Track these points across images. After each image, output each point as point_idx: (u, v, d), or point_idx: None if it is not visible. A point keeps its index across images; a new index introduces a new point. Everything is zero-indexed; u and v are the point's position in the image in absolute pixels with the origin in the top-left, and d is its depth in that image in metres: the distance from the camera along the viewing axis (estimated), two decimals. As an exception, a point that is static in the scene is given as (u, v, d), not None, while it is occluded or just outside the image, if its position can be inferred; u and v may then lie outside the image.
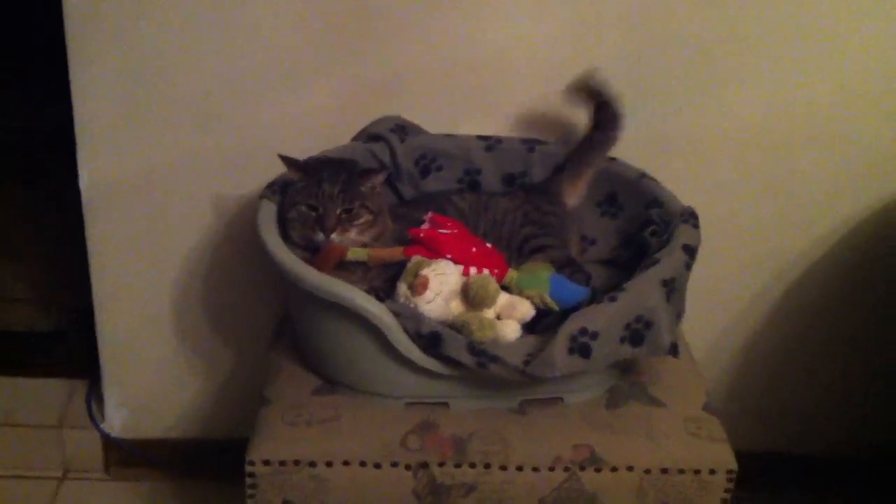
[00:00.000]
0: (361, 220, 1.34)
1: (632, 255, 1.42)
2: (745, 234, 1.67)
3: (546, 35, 1.52)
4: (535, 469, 1.27)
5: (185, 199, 1.64)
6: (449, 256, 1.30)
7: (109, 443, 1.86)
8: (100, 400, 1.84)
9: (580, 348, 1.21)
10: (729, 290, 1.73)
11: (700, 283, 1.61)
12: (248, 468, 1.27)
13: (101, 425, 1.85)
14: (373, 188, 1.36)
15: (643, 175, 1.49)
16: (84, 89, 1.54)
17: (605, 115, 1.49)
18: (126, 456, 1.87)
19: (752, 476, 1.73)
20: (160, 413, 1.85)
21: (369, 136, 1.52)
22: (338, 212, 1.33)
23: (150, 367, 1.80)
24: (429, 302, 1.26)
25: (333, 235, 1.32)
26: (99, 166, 1.61)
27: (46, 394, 1.90)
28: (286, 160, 1.35)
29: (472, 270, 1.31)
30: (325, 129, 1.54)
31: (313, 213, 1.33)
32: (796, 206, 1.65)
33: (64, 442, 1.86)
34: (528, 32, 1.52)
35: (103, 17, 1.49)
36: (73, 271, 1.72)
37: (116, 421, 1.85)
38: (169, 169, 1.61)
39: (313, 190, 1.33)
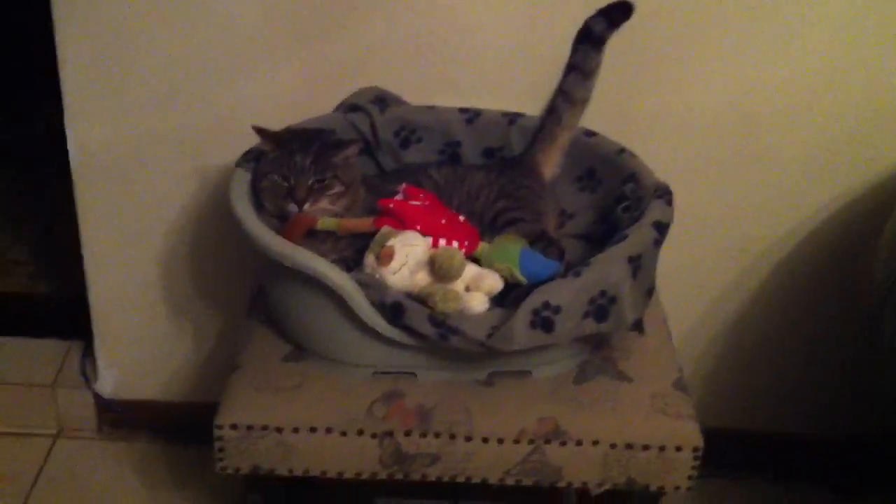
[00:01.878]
0: (333, 191, 1.34)
1: (606, 231, 1.41)
2: (722, 217, 1.66)
3: (518, 7, 1.51)
4: (500, 441, 1.27)
5: (170, 170, 1.66)
6: (418, 228, 1.30)
7: (101, 403, 1.90)
8: (93, 361, 1.88)
9: (542, 322, 1.21)
10: (707, 274, 1.72)
11: (678, 267, 1.63)
12: (216, 432, 1.28)
13: (94, 386, 1.89)
14: (346, 159, 1.36)
15: (622, 150, 1.47)
16: (70, 65, 1.57)
17: (589, 68, 1.46)
18: (118, 416, 1.91)
19: (730, 456, 1.76)
20: (150, 376, 1.89)
21: (349, 106, 1.52)
22: (309, 182, 1.33)
23: (140, 331, 1.83)
24: (394, 273, 1.26)
25: (306, 206, 1.32)
26: (86, 138, 1.63)
27: (42, 354, 1.95)
28: (259, 131, 1.36)
29: (441, 242, 1.31)
30: (301, 103, 1.54)
31: (285, 184, 1.33)
32: (774, 189, 1.63)
33: (58, 401, 1.90)
34: (499, 4, 1.51)
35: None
36: (69, 235, 1.75)
37: (108, 382, 1.89)
38: (154, 141, 1.63)
39: (285, 160, 1.34)
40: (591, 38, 1.44)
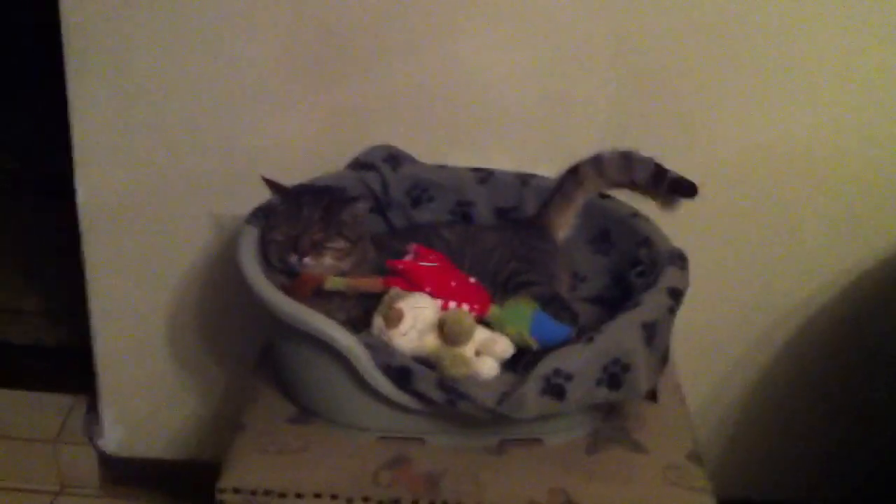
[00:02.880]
0: (337, 247, 1.32)
1: (620, 294, 1.38)
2: (742, 278, 1.63)
3: (536, 64, 1.50)
4: (509, 512, 1.24)
5: (179, 219, 1.64)
6: (428, 290, 1.28)
7: (105, 460, 1.87)
8: (97, 417, 1.85)
9: (553, 389, 1.18)
10: (725, 336, 1.68)
11: (696, 329, 1.60)
12: (219, 496, 1.26)
13: (98, 442, 1.86)
14: (354, 216, 1.35)
15: (635, 214, 1.46)
16: (81, 112, 1.57)
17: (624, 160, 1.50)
18: (121, 474, 1.87)
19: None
20: (155, 433, 1.85)
21: (361, 164, 1.52)
22: (314, 237, 1.31)
23: (146, 387, 1.80)
24: (403, 335, 1.24)
25: (307, 259, 1.30)
26: (95, 185, 1.62)
27: (46, 408, 1.91)
28: (270, 183, 1.35)
29: (451, 305, 1.29)
30: (311, 154, 1.54)
31: (291, 235, 1.32)
32: (796, 248, 1.60)
33: (60, 457, 1.87)
34: (510, 61, 1.50)
35: (99, 46, 1.52)
36: (76, 287, 1.73)
37: (112, 439, 1.85)
38: (163, 189, 1.62)
39: (293, 213, 1.33)
40: (656, 179, 1.50)
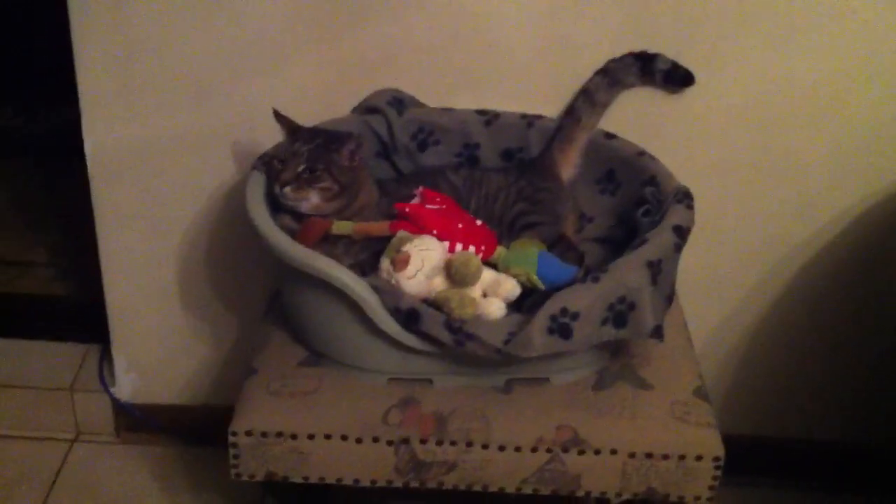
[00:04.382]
0: (323, 185, 1.31)
1: (626, 234, 1.39)
2: (745, 220, 1.62)
3: (540, 8, 1.48)
4: (517, 449, 1.26)
5: (187, 170, 1.64)
6: (434, 232, 1.29)
7: (119, 407, 1.89)
8: (111, 365, 1.87)
9: (560, 329, 1.19)
10: (729, 278, 1.68)
11: (699, 271, 1.61)
12: (231, 439, 1.28)
13: (112, 390, 1.89)
14: (351, 158, 1.34)
15: (642, 153, 1.45)
16: (87, 63, 1.56)
17: (606, 75, 1.48)
18: (135, 420, 1.90)
19: (753, 463, 1.73)
20: (168, 379, 1.88)
21: (366, 108, 1.51)
22: (299, 169, 1.31)
23: (158, 334, 1.82)
24: (410, 278, 1.24)
25: (287, 190, 1.30)
26: (101, 137, 1.62)
27: (60, 357, 1.94)
28: (279, 117, 1.36)
29: (458, 247, 1.29)
30: (320, 103, 1.53)
31: (280, 168, 1.32)
32: (797, 191, 1.60)
33: (76, 405, 1.90)
34: (515, 4, 1.48)
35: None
36: (87, 237, 1.75)
37: (126, 386, 1.88)
38: (170, 140, 1.62)
39: (288, 146, 1.33)
40: (644, 70, 1.48)
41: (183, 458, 1.88)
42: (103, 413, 1.90)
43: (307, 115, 1.45)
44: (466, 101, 1.54)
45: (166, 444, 1.91)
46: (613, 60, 1.48)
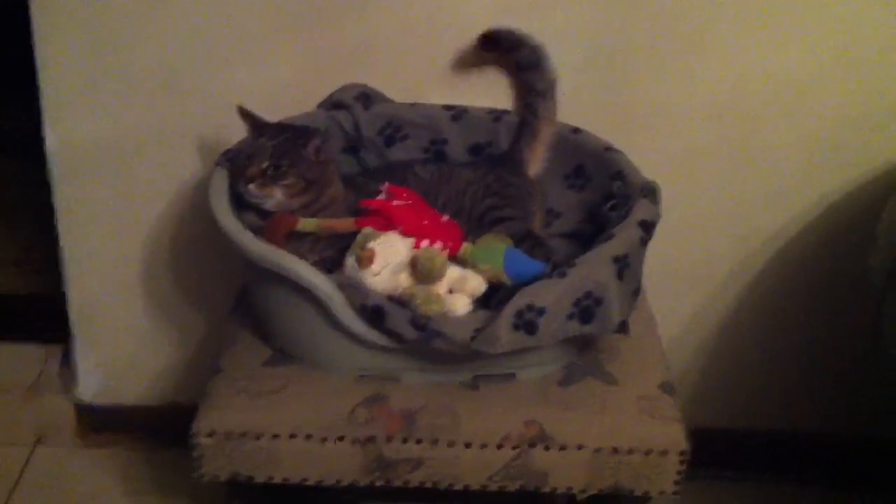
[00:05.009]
0: (288, 181, 1.29)
1: (594, 230, 1.38)
2: (715, 212, 1.63)
3: (512, 2, 1.48)
4: (484, 446, 1.25)
5: (152, 165, 1.62)
6: (400, 228, 1.28)
7: (82, 408, 1.86)
8: (73, 366, 1.84)
9: (526, 324, 1.19)
10: (699, 271, 1.69)
11: (668, 264, 1.60)
12: (193, 439, 1.26)
13: (75, 391, 1.86)
14: (317, 153, 1.32)
15: (609, 147, 1.45)
16: (49, 57, 1.53)
17: (528, 62, 1.46)
18: (99, 422, 1.87)
19: (722, 455, 1.74)
20: (133, 379, 1.85)
21: (333, 103, 1.49)
22: (263, 165, 1.29)
23: (122, 333, 1.80)
24: (375, 275, 1.23)
25: (252, 187, 1.28)
26: (64, 133, 1.59)
27: (21, 358, 1.91)
28: (243, 113, 1.34)
29: (424, 243, 1.28)
30: (288, 98, 1.51)
31: (244, 164, 1.30)
32: (768, 182, 1.60)
33: (37, 407, 1.86)
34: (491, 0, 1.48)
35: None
36: (50, 234, 1.71)
37: (89, 386, 1.85)
38: (135, 135, 1.59)
39: (252, 143, 1.31)
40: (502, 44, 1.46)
41: (149, 460, 1.86)
42: (66, 415, 1.87)
43: (275, 110, 1.43)
44: (434, 97, 1.52)
45: (131, 445, 1.88)
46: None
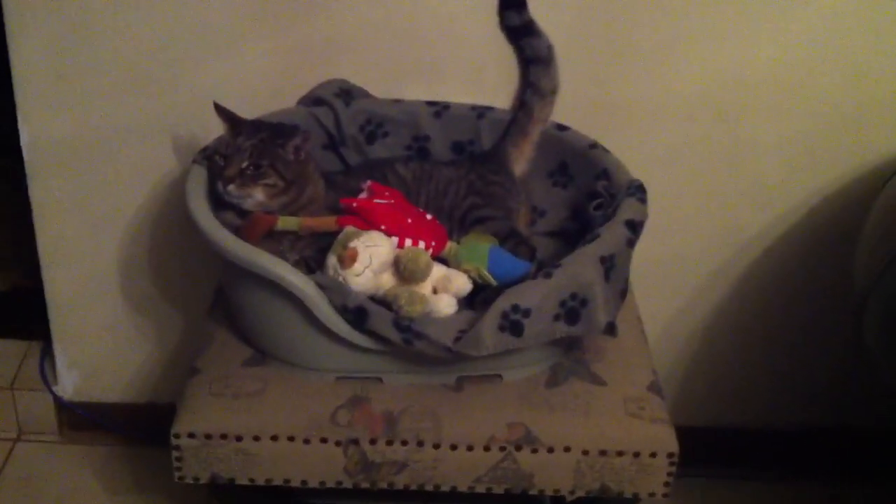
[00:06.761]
0: (267, 181, 1.27)
1: (579, 228, 1.37)
2: (699, 210, 1.62)
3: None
4: (470, 448, 1.23)
5: (129, 161, 1.59)
6: (382, 228, 1.26)
7: (62, 405, 1.84)
8: (52, 363, 1.82)
9: (511, 326, 1.17)
10: (684, 269, 1.68)
11: (654, 262, 1.59)
12: (173, 441, 1.24)
13: (54, 388, 1.83)
14: (296, 152, 1.30)
15: (594, 145, 1.43)
16: (22, 50, 1.50)
17: (540, 56, 1.45)
18: (79, 419, 1.85)
19: (716, 451, 1.73)
20: (112, 376, 1.83)
21: (313, 99, 1.47)
22: (243, 165, 1.26)
23: (100, 331, 1.77)
24: (357, 275, 1.21)
25: (231, 188, 1.25)
26: (38, 127, 1.56)
27: (1, 354, 1.88)
28: (220, 110, 1.31)
29: (407, 242, 1.26)
30: (266, 93, 1.49)
31: (221, 164, 1.27)
32: (752, 181, 1.59)
33: (17, 404, 1.84)
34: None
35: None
36: (25, 230, 1.68)
37: (68, 383, 1.83)
38: (111, 130, 1.56)
39: (230, 141, 1.28)
40: (523, 30, 1.43)
41: (128, 458, 1.84)
42: (46, 412, 1.85)
43: (253, 106, 1.41)
44: (416, 93, 1.50)
45: (111, 443, 1.86)
46: (524, 49, 1.46)
